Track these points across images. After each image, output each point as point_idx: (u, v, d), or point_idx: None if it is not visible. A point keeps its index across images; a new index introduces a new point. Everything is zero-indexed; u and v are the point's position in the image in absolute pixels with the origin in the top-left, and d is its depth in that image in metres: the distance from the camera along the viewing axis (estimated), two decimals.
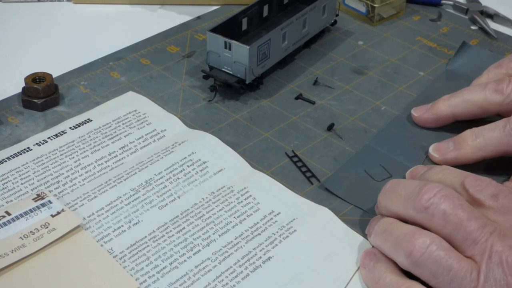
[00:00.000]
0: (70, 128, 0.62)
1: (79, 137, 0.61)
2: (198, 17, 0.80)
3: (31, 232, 0.50)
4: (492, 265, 0.44)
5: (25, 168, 0.57)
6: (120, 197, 0.55)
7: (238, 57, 0.64)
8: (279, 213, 0.54)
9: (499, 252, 0.44)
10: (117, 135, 0.62)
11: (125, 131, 0.62)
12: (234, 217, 0.54)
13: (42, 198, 0.53)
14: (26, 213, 0.52)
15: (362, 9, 0.80)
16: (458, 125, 0.62)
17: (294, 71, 0.72)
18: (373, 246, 0.51)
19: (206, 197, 0.56)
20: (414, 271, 0.46)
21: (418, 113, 0.63)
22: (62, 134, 0.61)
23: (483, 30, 0.79)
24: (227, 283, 0.49)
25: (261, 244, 0.52)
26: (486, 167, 0.58)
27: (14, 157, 0.58)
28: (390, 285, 0.47)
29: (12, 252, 0.49)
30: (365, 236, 0.52)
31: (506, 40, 0.78)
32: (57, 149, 0.60)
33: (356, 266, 0.50)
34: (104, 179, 0.57)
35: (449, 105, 0.61)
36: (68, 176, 0.57)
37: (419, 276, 0.46)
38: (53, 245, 0.50)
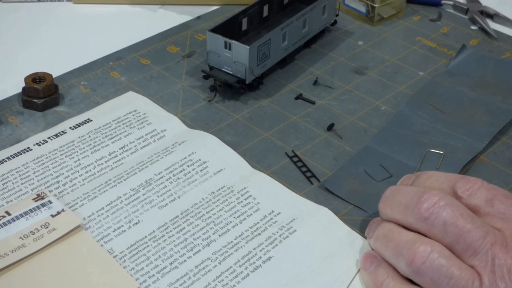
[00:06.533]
0: (70, 128, 0.62)
1: (79, 137, 0.61)
2: (198, 17, 0.80)
3: (31, 232, 0.50)
4: (496, 278, 0.43)
5: (25, 168, 0.57)
6: (120, 197, 0.55)
7: (238, 57, 0.64)
8: (279, 213, 0.54)
9: (502, 265, 0.43)
10: (117, 135, 0.62)
11: (125, 131, 0.62)
12: (234, 217, 0.54)
13: (42, 198, 0.53)
14: (26, 213, 0.52)
15: (362, 9, 0.80)
16: (452, 117, 0.63)
17: (294, 71, 0.72)
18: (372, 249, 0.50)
19: (206, 197, 0.56)
20: (415, 279, 0.46)
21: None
22: (62, 134, 0.61)
23: (483, 30, 0.79)
24: (227, 283, 0.49)
25: (261, 244, 0.52)
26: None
27: (14, 157, 0.58)
28: None
29: (12, 252, 0.49)
30: (365, 236, 0.52)
31: (506, 40, 0.78)
32: (57, 149, 0.60)
33: (356, 266, 0.50)
34: (104, 179, 0.57)
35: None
36: (68, 176, 0.57)
37: (420, 284, 0.46)
38: (53, 245, 0.50)
